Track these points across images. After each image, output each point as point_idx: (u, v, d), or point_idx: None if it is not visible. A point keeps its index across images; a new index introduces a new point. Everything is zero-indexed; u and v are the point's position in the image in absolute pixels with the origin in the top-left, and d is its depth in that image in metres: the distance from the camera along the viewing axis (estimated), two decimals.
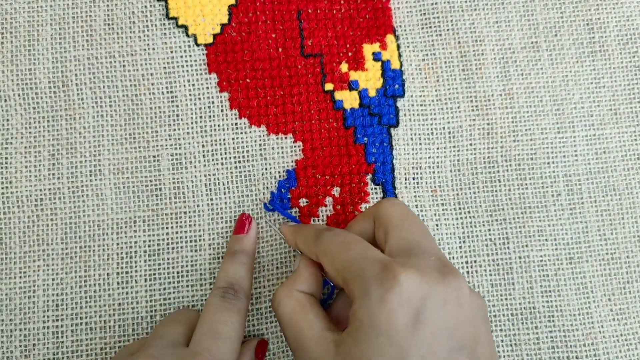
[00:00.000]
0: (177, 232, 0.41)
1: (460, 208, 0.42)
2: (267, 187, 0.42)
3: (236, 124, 0.42)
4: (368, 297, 0.30)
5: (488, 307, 0.41)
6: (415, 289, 0.30)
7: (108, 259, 0.40)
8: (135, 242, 0.41)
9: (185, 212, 0.41)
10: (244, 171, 0.42)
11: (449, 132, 0.43)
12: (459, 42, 0.44)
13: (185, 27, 0.43)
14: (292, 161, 0.42)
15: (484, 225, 0.42)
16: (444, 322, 0.30)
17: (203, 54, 0.43)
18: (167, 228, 0.41)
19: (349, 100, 0.43)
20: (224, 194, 0.41)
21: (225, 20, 0.43)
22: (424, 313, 0.29)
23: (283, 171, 0.42)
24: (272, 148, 0.42)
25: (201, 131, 0.42)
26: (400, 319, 0.29)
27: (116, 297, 0.40)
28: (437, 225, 0.42)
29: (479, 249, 0.42)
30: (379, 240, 0.35)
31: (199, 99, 0.42)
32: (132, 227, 0.41)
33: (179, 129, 0.42)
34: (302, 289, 0.36)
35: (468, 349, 0.30)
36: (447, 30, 0.44)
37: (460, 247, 0.42)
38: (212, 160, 0.42)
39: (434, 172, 0.43)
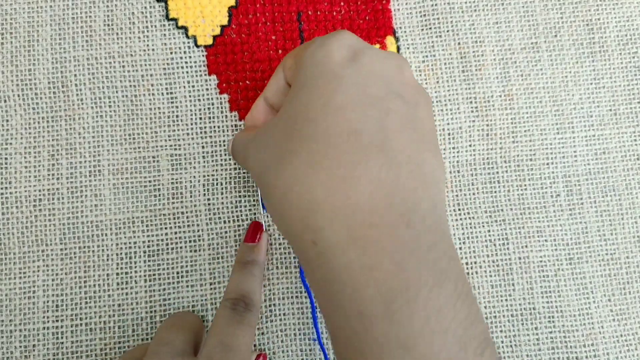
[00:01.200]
0: (176, 233, 0.41)
1: (459, 209, 0.42)
2: None
3: (236, 125, 0.42)
4: (309, 47, 0.30)
5: (488, 307, 0.41)
6: (356, 41, 0.30)
7: (107, 260, 0.40)
8: (135, 243, 0.41)
9: (183, 213, 0.41)
10: (243, 172, 0.42)
11: (449, 133, 0.43)
12: (458, 44, 0.44)
13: (185, 28, 0.43)
14: None
15: (483, 226, 0.42)
16: (381, 70, 0.29)
17: (203, 55, 0.43)
18: (166, 228, 0.41)
19: None
20: (222, 194, 0.41)
21: (225, 21, 0.43)
22: (363, 55, 0.29)
23: None
24: None
25: (201, 132, 0.42)
26: (337, 55, 0.29)
27: (116, 298, 0.40)
28: None
29: (479, 249, 0.42)
30: None
31: (199, 100, 0.42)
32: (131, 228, 0.41)
33: (178, 130, 0.42)
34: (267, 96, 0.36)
35: (405, 100, 0.29)
36: (447, 31, 0.44)
37: (460, 248, 0.42)
38: (212, 161, 0.42)
39: None
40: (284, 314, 0.40)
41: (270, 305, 0.40)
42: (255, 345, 0.40)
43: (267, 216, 0.41)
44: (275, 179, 0.28)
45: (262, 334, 0.40)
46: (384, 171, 0.26)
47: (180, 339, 0.35)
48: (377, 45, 0.43)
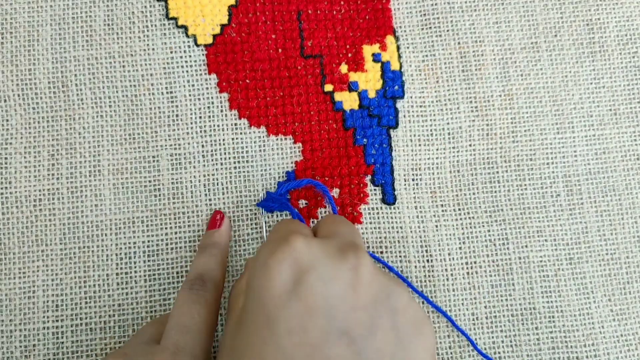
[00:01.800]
0: (176, 233, 0.41)
1: (459, 209, 0.42)
2: (266, 188, 0.42)
3: (236, 124, 0.42)
4: (256, 259, 0.29)
5: (488, 307, 0.41)
6: (301, 257, 0.27)
7: (107, 260, 0.40)
8: (135, 243, 0.41)
9: (184, 213, 0.41)
10: (243, 172, 0.42)
11: (449, 133, 0.43)
12: (458, 43, 0.44)
13: (185, 28, 0.43)
14: (292, 163, 0.42)
15: (483, 226, 0.42)
16: (325, 300, 0.27)
17: (203, 55, 0.43)
18: (166, 228, 0.41)
19: (349, 101, 0.43)
20: (223, 194, 0.41)
21: (225, 20, 0.43)
22: (304, 285, 0.27)
23: (283, 172, 0.42)
24: (272, 149, 0.42)
25: (201, 131, 0.42)
26: (276, 286, 0.27)
27: (116, 298, 0.40)
28: (436, 226, 0.42)
29: (479, 249, 0.42)
30: None
31: (199, 99, 0.42)
32: (131, 228, 0.41)
33: (178, 130, 0.42)
34: None
35: (353, 338, 0.26)
36: (447, 31, 0.44)
37: (460, 248, 0.42)
38: (212, 160, 0.42)
39: (433, 173, 0.43)
40: None
41: None
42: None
43: (260, 211, 0.41)
44: None
45: None
46: None
47: (151, 330, 0.35)
48: (377, 45, 0.43)
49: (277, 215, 0.41)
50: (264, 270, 0.28)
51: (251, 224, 0.41)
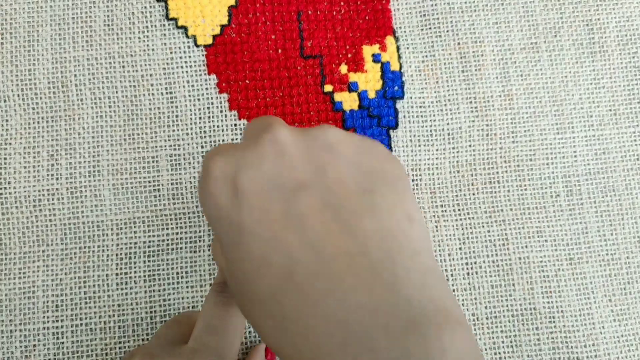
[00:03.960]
0: (176, 233, 0.41)
1: (459, 209, 0.42)
2: None
3: (235, 124, 0.42)
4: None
5: (488, 308, 0.41)
6: (224, 165, 0.27)
7: (107, 260, 0.40)
8: (135, 243, 0.41)
9: (184, 213, 0.41)
10: None
11: (448, 134, 0.43)
12: (458, 44, 0.44)
13: (185, 28, 0.43)
14: None
15: (483, 226, 0.42)
16: (265, 179, 0.26)
17: (202, 55, 0.43)
18: (166, 229, 0.41)
19: (349, 101, 0.43)
20: None
21: (225, 21, 0.43)
22: (240, 180, 0.26)
23: None
24: None
25: (200, 132, 0.42)
26: (221, 198, 0.26)
27: (115, 298, 0.40)
28: (436, 226, 0.42)
29: (479, 250, 0.42)
30: None
31: (199, 99, 0.42)
32: (132, 228, 0.41)
33: (178, 130, 0.42)
34: None
35: (306, 185, 0.25)
36: (447, 31, 0.44)
37: (460, 249, 0.42)
38: None
39: (433, 174, 0.43)
40: None
41: None
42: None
43: None
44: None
45: None
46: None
47: (174, 331, 0.35)
48: (377, 46, 0.43)
49: None
50: (204, 194, 0.27)
51: None
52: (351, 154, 0.27)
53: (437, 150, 0.43)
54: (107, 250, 0.40)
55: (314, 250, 0.24)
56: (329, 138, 0.27)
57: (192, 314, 0.38)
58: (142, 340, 0.40)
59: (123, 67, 0.42)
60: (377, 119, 0.43)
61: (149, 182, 0.41)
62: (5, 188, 0.41)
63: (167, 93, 0.42)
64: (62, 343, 0.39)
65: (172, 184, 0.41)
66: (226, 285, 0.36)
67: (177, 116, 0.42)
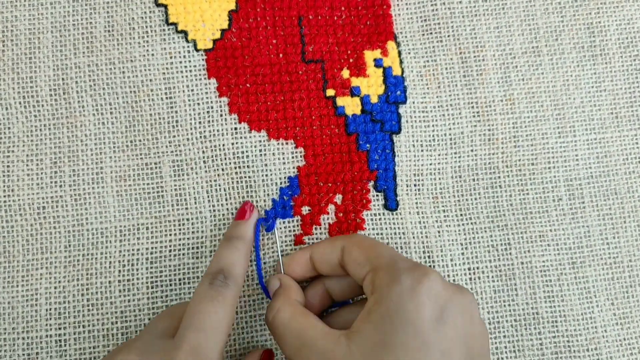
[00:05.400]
0: (179, 239, 0.41)
1: (461, 214, 0.42)
2: (268, 194, 0.41)
3: (235, 128, 0.42)
4: (399, 284, 0.32)
5: (491, 313, 0.41)
6: (441, 289, 0.32)
7: (110, 267, 0.40)
8: (138, 250, 0.41)
9: (187, 219, 0.41)
10: (245, 177, 0.42)
11: (450, 138, 0.43)
12: (459, 48, 0.44)
13: (184, 33, 0.43)
14: (294, 168, 0.42)
15: (485, 231, 0.42)
16: (461, 328, 0.31)
17: (202, 60, 0.43)
18: (169, 235, 0.41)
19: (351, 106, 0.43)
20: (226, 200, 0.41)
21: (225, 25, 0.43)
22: (447, 313, 0.31)
23: (285, 178, 0.42)
24: (273, 154, 0.42)
25: (201, 137, 0.42)
26: (427, 312, 0.31)
27: (118, 305, 0.40)
28: (439, 232, 0.42)
29: (481, 255, 0.42)
30: (353, 270, 0.36)
31: (198, 104, 0.42)
32: (135, 235, 0.41)
33: (178, 135, 0.42)
34: (298, 299, 0.36)
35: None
36: (448, 36, 0.44)
37: (463, 254, 0.42)
38: (213, 166, 0.42)
39: (435, 179, 0.43)
40: None
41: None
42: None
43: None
44: None
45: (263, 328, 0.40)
46: None
47: (164, 324, 0.35)
48: (378, 51, 0.43)
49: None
50: (414, 297, 0.31)
51: None
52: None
53: (439, 155, 0.43)
54: (110, 257, 0.40)
55: None
56: (484, 341, 0.33)
57: (181, 306, 0.38)
58: None
59: (123, 72, 0.42)
60: (380, 123, 0.43)
61: (152, 188, 0.41)
62: (8, 196, 0.41)
63: (167, 98, 0.42)
64: (65, 350, 0.39)
65: (175, 190, 0.41)
66: (220, 276, 0.35)
67: (177, 121, 0.42)
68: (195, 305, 0.34)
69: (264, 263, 0.41)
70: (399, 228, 0.42)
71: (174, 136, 0.42)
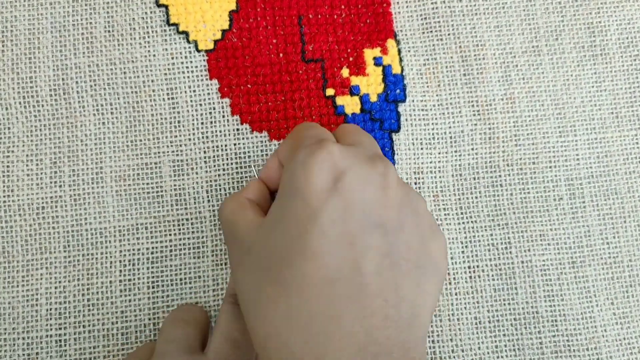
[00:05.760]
0: (179, 239, 0.41)
1: (462, 213, 0.42)
2: None
3: (238, 129, 0.42)
4: (294, 161, 0.31)
5: (491, 311, 0.41)
6: (338, 160, 0.30)
7: (110, 267, 0.40)
8: (138, 250, 0.41)
9: (187, 219, 0.41)
10: (246, 177, 0.42)
11: (451, 137, 0.43)
12: (460, 47, 0.44)
13: (186, 33, 0.43)
14: None
15: (486, 230, 0.42)
16: (361, 198, 0.29)
17: (204, 60, 0.43)
18: (169, 235, 0.41)
19: (351, 105, 0.43)
20: None
21: (226, 26, 0.43)
22: (342, 183, 0.29)
23: None
24: None
25: (202, 137, 0.42)
26: (317, 182, 0.29)
27: (119, 305, 0.40)
28: None
29: (481, 253, 0.42)
30: None
31: (200, 105, 0.42)
32: (135, 235, 0.41)
33: (180, 136, 0.42)
34: (248, 197, 0.35)
35: (386, 229, 0.29)
36: (448, 34, 0.44)
37: (463, 252, 0.42)
38: (214, 166, 0.42)
39: (435, 177, 0.43)
40: None
41: None
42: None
43: None
44: (254, 322, 0.29)
45: None
46: (356, 325, 0.27)
47: (186, 334, 0.35)
48: (378, 49, 0.43)
49: None
50: (304, 169, 0.29)
51: None
52: (424, 228, 0.31)
53: (439, 153, 0.43)
54: (111, 257, 0.40)
55: (359, 279, 0.28)
56: (420, 206, 0.32)
57: (196, 312, 0.38)
58: None
59: (124, 73, 0.42)
60: (380, 122, 0.43)
61: (152, 188, 0.41)
62: (8, 196, 0.41)
63: (168, 99, 0.42)
64: (65, 351, 0.39)
65: (175, 190, 0.41)
66: None
67: (179, 122, 0.42)
68: (227, 323, 0.35)
69: None
70: None
71: (175, 136, 0.42)
